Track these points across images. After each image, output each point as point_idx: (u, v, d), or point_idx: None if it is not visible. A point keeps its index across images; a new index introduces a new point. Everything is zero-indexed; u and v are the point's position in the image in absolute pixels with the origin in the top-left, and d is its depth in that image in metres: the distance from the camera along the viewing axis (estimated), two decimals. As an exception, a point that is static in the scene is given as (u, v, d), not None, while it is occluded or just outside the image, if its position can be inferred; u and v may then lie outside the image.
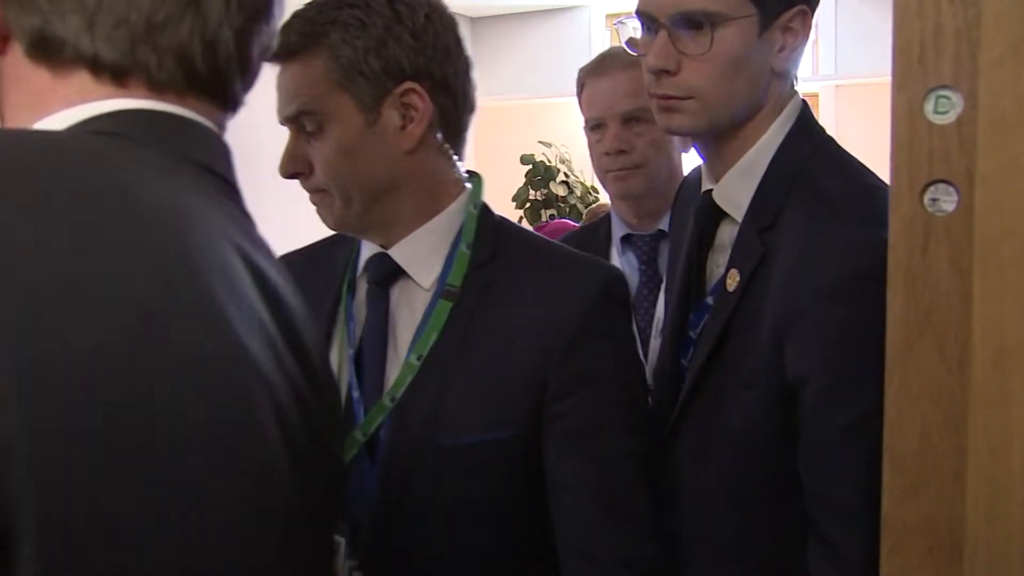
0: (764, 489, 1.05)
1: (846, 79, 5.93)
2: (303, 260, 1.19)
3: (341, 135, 1.00)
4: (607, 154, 1.65)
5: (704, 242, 1.15)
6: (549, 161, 6.35)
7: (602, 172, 1.72)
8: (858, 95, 5.89)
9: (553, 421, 1.01)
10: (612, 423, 1.03)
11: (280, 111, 1.03)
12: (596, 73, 1.70)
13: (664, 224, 1.64)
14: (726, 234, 1.12)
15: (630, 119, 1.62)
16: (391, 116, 1.01)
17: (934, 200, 0.75)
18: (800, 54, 1.09)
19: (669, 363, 1.17)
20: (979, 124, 0.72)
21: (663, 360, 1.20)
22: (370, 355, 1.07)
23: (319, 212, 1.07)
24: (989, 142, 0.72)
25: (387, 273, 1.08)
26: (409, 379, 1.02)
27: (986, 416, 0.72)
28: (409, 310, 1.07)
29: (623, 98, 1.63)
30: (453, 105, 1.06)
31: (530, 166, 6.31)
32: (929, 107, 0.75)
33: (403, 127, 1.02)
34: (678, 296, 1.19)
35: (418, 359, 1.02)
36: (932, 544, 0.77)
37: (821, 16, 6.06)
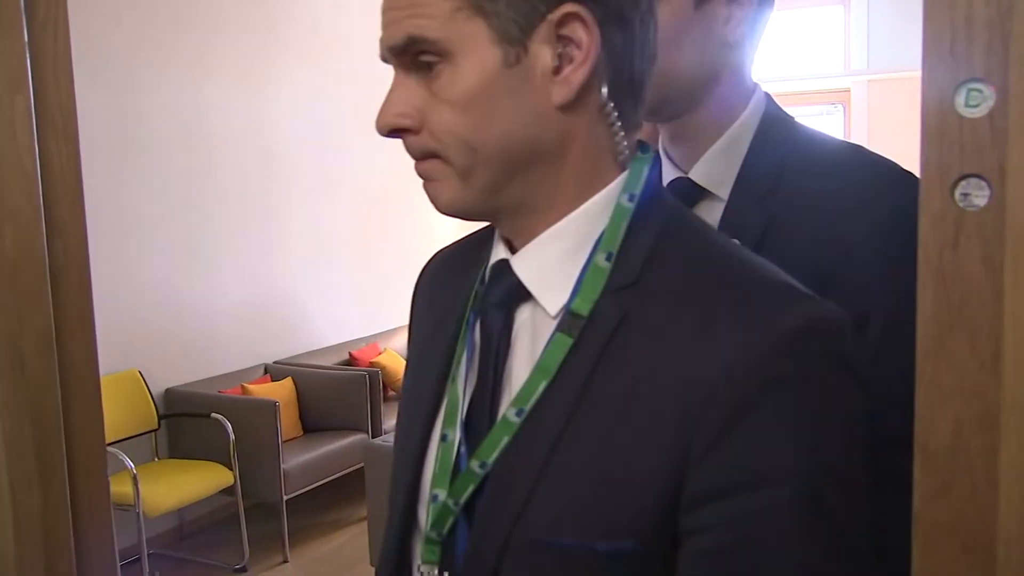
0: None
1: (878, 74, 5.86)
2: (447, 259, 0.95)
3: (469, 76, 0.72)
4: None
5: None
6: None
7: None
8: (890, 90, 5.82)
9: (691, 538, 0.69)
10: (782, 553, 0.66)
11: (385, 38, 0.74)
12: None
13: None
14: (706, 215, 1.12)
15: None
16: (541, 54, 0.72)
17: (965, 195, 0.74)
18: (754, 24, 1.09)
19: None
20: (1011, 117, 0.71)
21: None
22: (479, 400, 0.80)
23: (427, 189, 0.78)
24: (1022, 136, 0.71)
25: (509, 291, 0.79)
26: (504, 440, 0.75)
27: (1019, 414, 0.71)
28: (531, 344, 0.78)
29: None
30: (629, 47, 0.75)
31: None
32: (960, 100, 0.74)
33: (558, 70, 0.73)
34: None
35: (518, 415, 0.74)
36: (965, 543, 0.76)
37: (853, 10, 6.00)
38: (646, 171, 0.78)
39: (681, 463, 0.68)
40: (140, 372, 4.23)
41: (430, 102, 0.74)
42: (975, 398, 0.74)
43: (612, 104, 0.76)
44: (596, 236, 0.76)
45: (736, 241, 1.00)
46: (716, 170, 1.11)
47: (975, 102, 0.74)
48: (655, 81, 1.05)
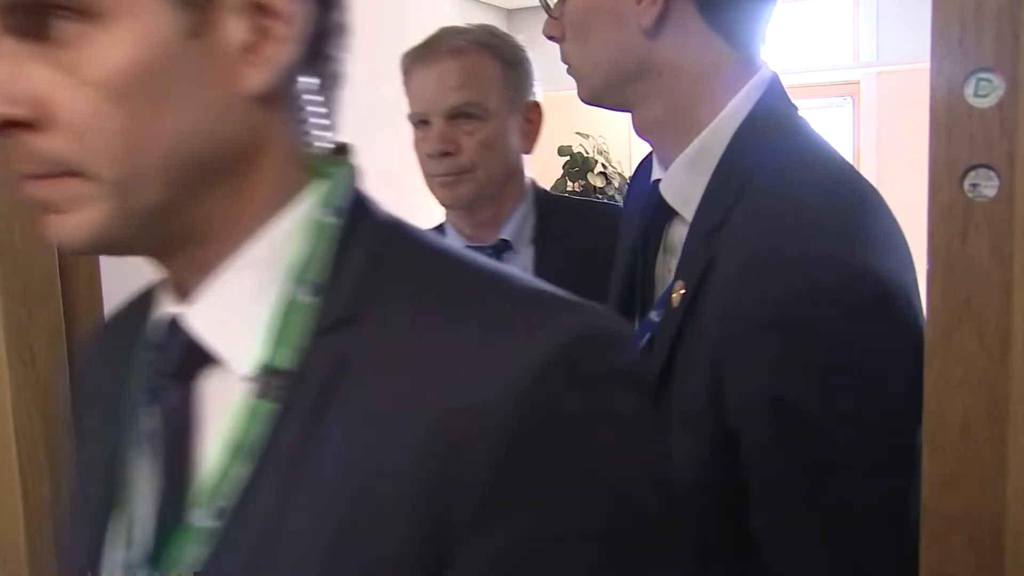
0: (718, 546, 0.85)
1: (888, 66, 5.84)
2: (112, 325, 0.75)
3: (129, 47, 0.50)
4: (430, 156, 1.43)
5: (651, 241, 0.98)
6: (587, 152, 6.33)
7: (427, 177, 1.48)
8: (901, 82, 5.79)
9: None
10: None
11: None
12: (420, 60, 1.44)
13: (507, 233, 1.47)
14: (677, 234, 0.95)
15: (458, 115, 1.41)
16: (231, 24, 0.53)
17: (974, 185, 0.74)
18: (679, 9, 0.91)
19: None
20: (1021, 107, 0.71)
21: None
22: (165, 506, 0.60)
23: (51, 223, 0.55)
24: (1031, 125, 0.71)
25: (183, 355, 0.59)
26: (202, 552, 0.55)
27: (1027, 404, 0.71)
28: (223, 420, 0.57)
29: (450, 91, 1.40)
30: (334, 25, 0.60)
31: (567, 157, 6.30)
32: (969, 90, 0.74)
33: (252, 48, 0.54)
34: (616, 309, 1.01)
35: (218, 516, 0.55)
36: (973, 535, 0.75)
37: (862, 0, 5.96)
38: (349, 177, 0.60)
39: (440, 548, 0.50)
40: (150, 366, 4.25)
41: (59, 83, 0.50)
42: (984, 390, 0.74)
43: (321, 96, 0.60)
44: (291, 265, 0.57)
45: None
46: (682, 185, 0.93)
47: (984, 92, 0.73)
48: (580, 73, 0.96)
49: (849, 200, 0.87)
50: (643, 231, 1.00)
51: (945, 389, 0.75)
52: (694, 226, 0.90)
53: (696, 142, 0.92)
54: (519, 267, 1.41)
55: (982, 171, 0.73)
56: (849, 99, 6.14)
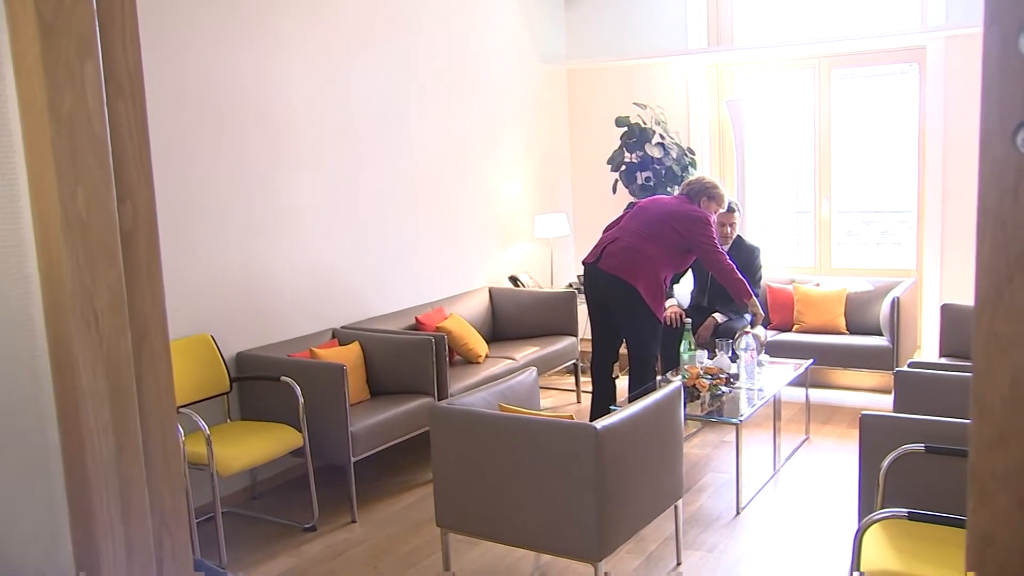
0: None
1: (957, 29, 5.64)
2: None
3: None
4: None
5: None
6: (644, 123, 6.26)
7: None
8: (970, 47, 5.60)
9: None
10: None
11: None
12: None
13: None
14: None
15: None
16: None
17: (1028, 140, 0.72)
18: None
19: None
20: (1075, 57, 0.69)
21: None
22: None
23: None
24: (1086, 76, 0.69)
25: None
26: None
27: (1075, 359, 0.70)
28: None
29: None
30: None
31: (625, 128, 6.24)
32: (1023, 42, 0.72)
33: None
34: None
35: None
36: (1022, 496, 0.74)
37: (930, -36, 5.75)
38: None
39: None
40: (212, 337, 4.35)
41: None
42: (1035, 348, 0.73)
43: None
44: None
45: None
46: None
47: (1039, 44, 0.71)
48: None
49: None
50: None
51: (995, 347, 0.74)
52: None
53: None
54: None
55: (1035, 125, 0.72)
56: (915, 66, 5.95)
